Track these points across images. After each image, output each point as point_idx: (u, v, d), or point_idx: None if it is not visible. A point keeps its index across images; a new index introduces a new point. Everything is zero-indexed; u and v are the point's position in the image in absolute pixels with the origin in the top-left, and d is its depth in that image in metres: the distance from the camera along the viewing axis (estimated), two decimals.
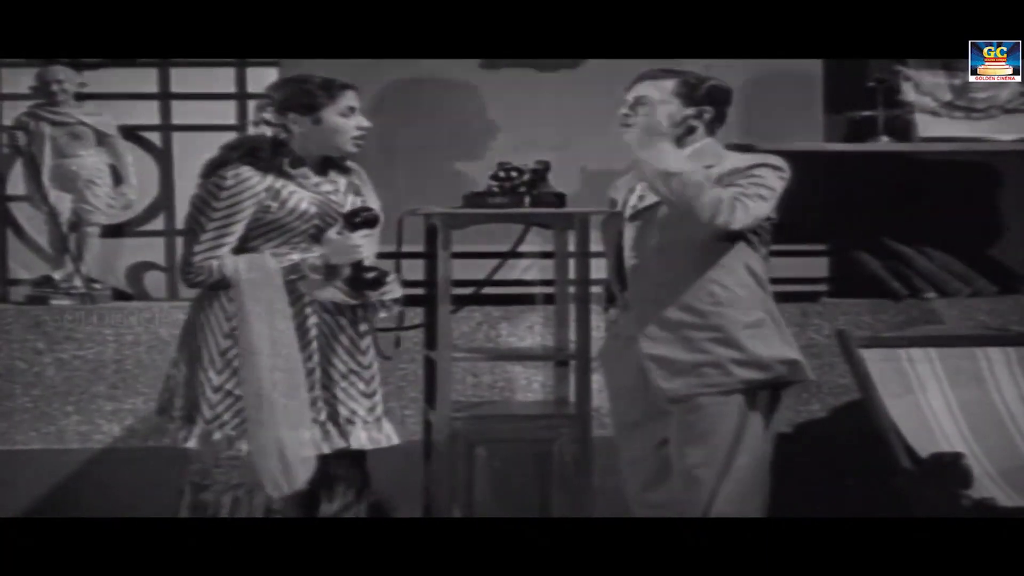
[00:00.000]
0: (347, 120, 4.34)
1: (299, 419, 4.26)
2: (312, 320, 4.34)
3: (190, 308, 4.44)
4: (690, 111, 4.28)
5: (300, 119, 4.32)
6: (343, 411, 4.36)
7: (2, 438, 5.49)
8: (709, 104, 4.31)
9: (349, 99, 4.35)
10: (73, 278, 5.75)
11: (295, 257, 4.29)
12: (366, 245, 4.32)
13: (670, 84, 4.29)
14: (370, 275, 4.30)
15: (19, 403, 5.51)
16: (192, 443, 4.32)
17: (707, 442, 4.18)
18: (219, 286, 4.28)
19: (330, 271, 4.31)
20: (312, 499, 4.39)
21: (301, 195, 4.32)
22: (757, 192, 4.17)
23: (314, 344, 4.34)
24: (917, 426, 5.15)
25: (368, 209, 4.35)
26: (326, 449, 4.32)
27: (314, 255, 4.30)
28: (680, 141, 4.27)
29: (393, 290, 4.38)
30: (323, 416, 4.33)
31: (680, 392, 4.21)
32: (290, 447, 4.23)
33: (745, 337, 4.19)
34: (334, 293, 4.35)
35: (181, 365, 4.39)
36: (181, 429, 4.35)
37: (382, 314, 4.42)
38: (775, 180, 4.21)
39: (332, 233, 4.32)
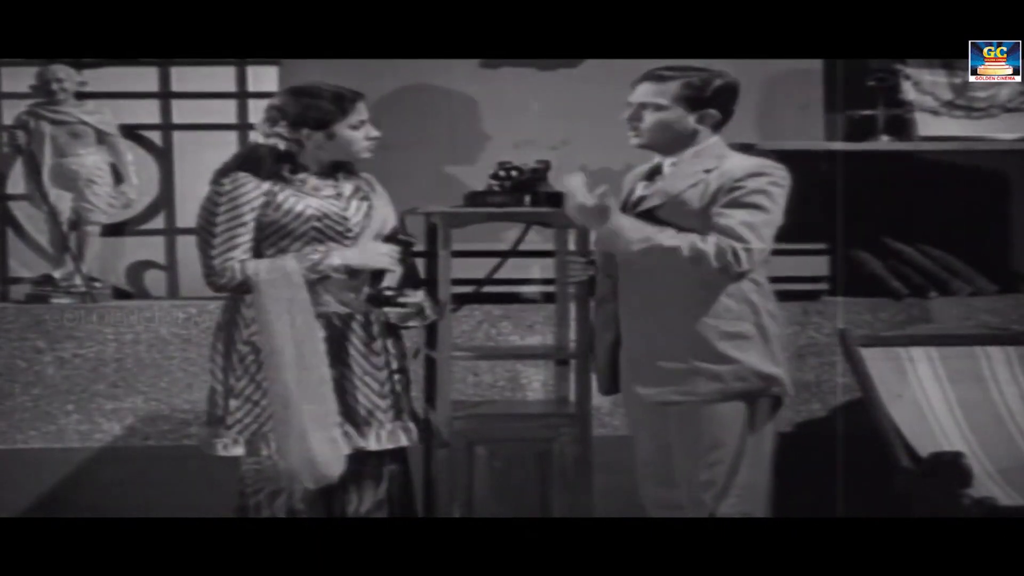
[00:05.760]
0: (358, 132, 4.42)
1: (324, 416, 4.31)
2: (320, 333, 4.36)
3: (219, 315, 4.50)
4: (692, 117, 4.15)
5: (313, 134, 4.39)
6: (361, 412, 4.40)
7: (2, 437, 5.49)
8: (715, 106, 4.15)
9: (360, 112, 4.41)
10: (73, 277, 5.75)
11: (315, 257, 4.33)
12: (391, 259, 4.39)
13: (673, 88, 4.13)
14: (389, 292, 4.38)
15: (19, 402, 5.52)
16: (219, 450, 4.38)
17: (702, 449, 4.13)
18: (242, 288, 4.33)
19: (352, 275, 4.37)
20: (336, 499, 4.43)
21: (298, 198, 4.37)
22: (760, 218, 4.03)
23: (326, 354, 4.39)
24: (917, 425, 5.16)
25: (408, 236, 4.46)
26: (347, 450, 4.36)
27: (336, 256, 4.35)
28: (682, 146, 4.17)
29: (414, 314, 4.45)
30: (341, 418, 4.36)
31: (654, 398, 4.17)
32: (316, 444, 4.29)
33: (723, 348, 4.10)
34: (343, 302, 4.40)
35: (213, 371, 4.46)
36: (209, 435, 4.41)
37: (406, 322, 4.50)
38: (775, 190, 4.09)
39: (367, 239, 4.39)
